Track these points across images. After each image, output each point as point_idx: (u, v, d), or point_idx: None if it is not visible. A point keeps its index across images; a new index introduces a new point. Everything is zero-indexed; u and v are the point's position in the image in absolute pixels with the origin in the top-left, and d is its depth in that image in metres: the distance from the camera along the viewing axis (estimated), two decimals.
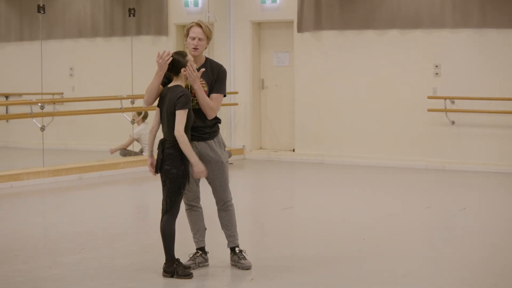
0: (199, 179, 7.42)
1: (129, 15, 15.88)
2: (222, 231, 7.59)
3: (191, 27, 7.30)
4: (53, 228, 9.74)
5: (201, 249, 7.56)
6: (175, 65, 7.04)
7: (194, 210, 7.50)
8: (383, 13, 15.02)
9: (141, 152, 15.37)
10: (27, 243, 8.67)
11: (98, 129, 17.09)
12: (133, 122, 15.15)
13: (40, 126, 13.63)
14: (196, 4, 16.78)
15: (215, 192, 7.48)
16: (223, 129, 15.78)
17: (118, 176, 14.02)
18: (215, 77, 7.34)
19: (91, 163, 13.98)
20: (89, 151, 16.54)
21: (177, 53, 7.09)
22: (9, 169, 13.07)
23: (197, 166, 6.97)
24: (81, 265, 7.58)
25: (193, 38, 7.26)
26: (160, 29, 16.96)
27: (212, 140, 7.37)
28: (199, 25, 7.28)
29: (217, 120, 7.45)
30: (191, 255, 7.55)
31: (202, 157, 7.25)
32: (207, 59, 7.42)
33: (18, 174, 12.80)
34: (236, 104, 16.58)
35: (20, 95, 17.29)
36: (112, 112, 14.85)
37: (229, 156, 15.16)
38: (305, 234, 9.26)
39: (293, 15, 15.99)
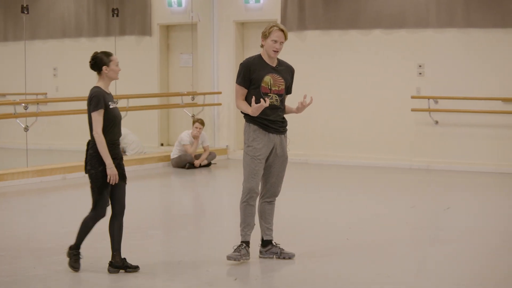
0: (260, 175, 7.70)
1: (113, 15, 15.84)
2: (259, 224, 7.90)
3: (273, 30, 7.63)
4: (37, 228, 9.70)
5: (247, 243, 7.74)
6: (97, 62, 7.23)
7: (251, 205, 7.71)
8: (368, 13, 15.04)
9: (123, 151, 15.33)
10: (12, 244, 8.64)
11: (82, 129, 16.98)
12: None
13: (23, 126, 13.58)
14: (179, 4, 16.77)
15: (271, 185, 7.81)
16: (206, 129, 15.77)
17: None
18: (291, 78, 7.93)
19: (75, 163, 13.91)
20: (73, 151, 16.48)
21: (102, 52, 7.33)
22: None
23: (110, 168, 7.12)
24: (66, 266, 7.54)
25: (275, 42, 7.62)
26: (144, 29, 16.95)
27: (283, 135, 7.78)
28: (281, 30, 7.65)
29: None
30: (235, 247, 7.70)
31: (274, 149, 7.66)
32: (278, 59, 7.80)
33: (2, 175, 12.74)
34: (220, 104, 16.57)
35: (4, 95, 17.23)
36: None
37: (214, 157, 15.16)
38: (289, 234, 9.24)
39: (276, 15, 15.99)
